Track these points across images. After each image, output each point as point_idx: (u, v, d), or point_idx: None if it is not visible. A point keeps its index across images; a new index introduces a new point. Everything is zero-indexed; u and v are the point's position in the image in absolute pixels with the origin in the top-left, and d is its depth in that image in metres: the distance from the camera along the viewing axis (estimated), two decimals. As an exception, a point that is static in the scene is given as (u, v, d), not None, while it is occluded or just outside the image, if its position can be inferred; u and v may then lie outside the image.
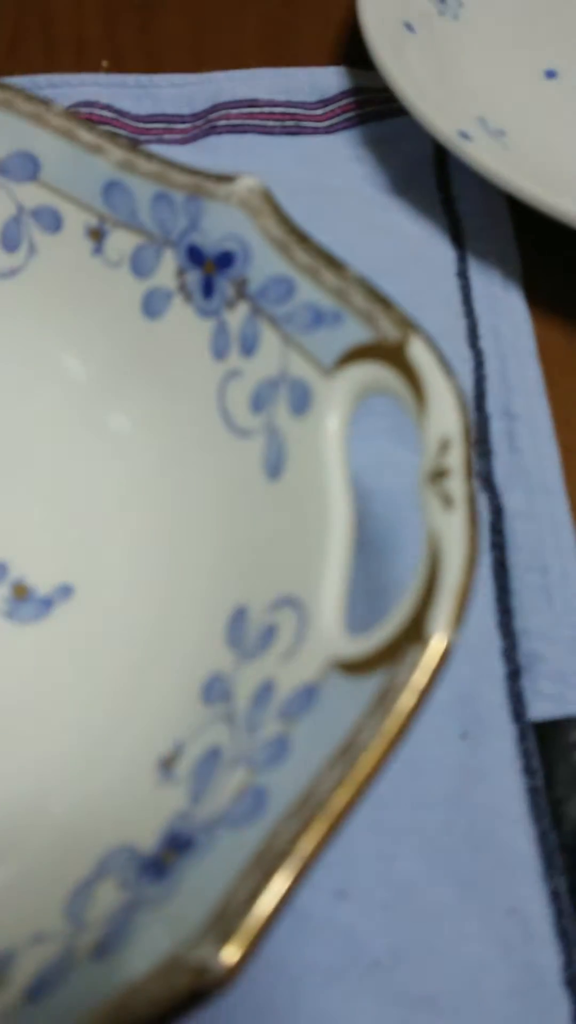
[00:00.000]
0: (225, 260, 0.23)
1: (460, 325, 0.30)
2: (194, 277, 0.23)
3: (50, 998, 0.15)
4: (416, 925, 0.21)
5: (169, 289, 0.24)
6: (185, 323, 0.24)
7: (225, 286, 0.23)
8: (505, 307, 0.30)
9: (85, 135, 0.25)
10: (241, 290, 0.22)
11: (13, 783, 0.21)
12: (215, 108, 0.35)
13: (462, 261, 0.32)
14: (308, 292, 0.21)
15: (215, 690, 0.20)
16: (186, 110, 0.36)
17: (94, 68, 0.38)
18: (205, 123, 0.35)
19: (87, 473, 0.25)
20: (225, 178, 0.23)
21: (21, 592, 0.24)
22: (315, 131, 0.35)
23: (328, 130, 0.35)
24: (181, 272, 0.24)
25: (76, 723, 0.21)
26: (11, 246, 0.26)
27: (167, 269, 0.24)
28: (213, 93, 0.36)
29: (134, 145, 0.24)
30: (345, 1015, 0.20)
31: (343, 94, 0.36)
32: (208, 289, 0.23)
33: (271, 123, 0.35)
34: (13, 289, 0.26)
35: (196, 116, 0.36)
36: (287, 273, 0.21)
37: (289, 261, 0.22)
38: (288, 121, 0.35)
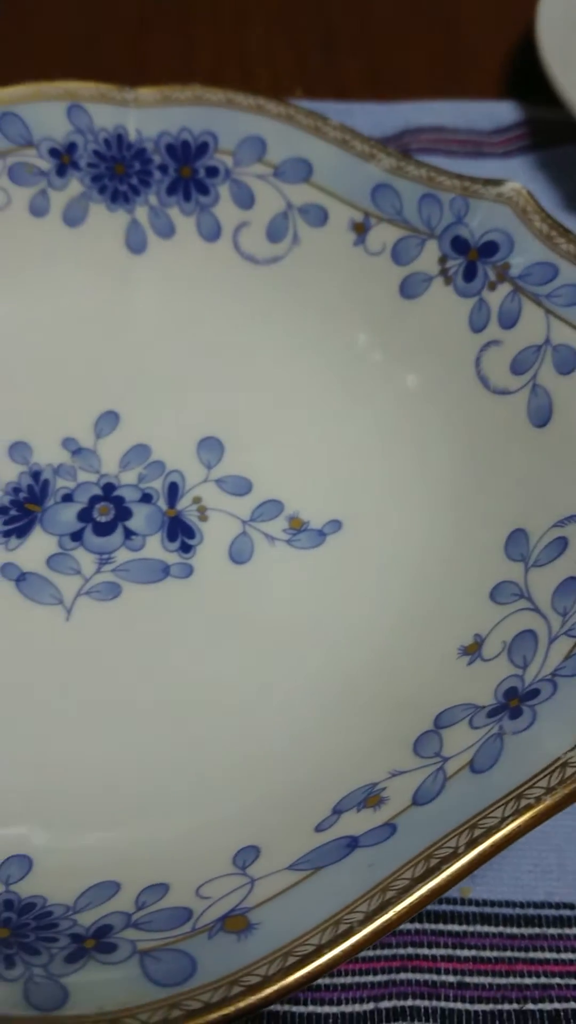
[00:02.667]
0: (489, 249, 0.27)
1: None
2: (456, 264, 0.28)
3: (436, 802, 0.19)
4: None
5: (430, 274, 0.28)
6: (444, 302, 0.28)
7: (487, 271, 0.27)
8: None
9: (359, 145, 0.29)
10: (503, 274, 0.27)
11: (329, 676, 0.25)
12: (405, 133, 0.40)
13: None
14: (572, 274, 0.25)
15: (505, 592, 0.24)
16: (376, 134, 0.41)
17: (288, 95, 0.43)
18: (396, 145, 0.40)
19: (356, 429, 0.29)
20: (492, 182, 0.28)
21: (296, 524, 0.28)
22: (493, 155, 0.40)
23: (504, 155, 0.40)
24: (443, 259, 0.28)
25: (378, 624, 0.25)
26: (276, 237, 0.31)
27: (430, 257, 0.28)
28: (400, 120, 0.41)
29: (404, 153, 0.29)
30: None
31: (516, 124, 0.41)
32: (471, 273, 0.28)
33: (455, 147, 0.40)
34: (274, 273, 0.31)
35: (387, 139, 0.40)
36: (551, 259, 0.26)
37: (553, 248, 0.26)
38: (469, 146, 0.40)
